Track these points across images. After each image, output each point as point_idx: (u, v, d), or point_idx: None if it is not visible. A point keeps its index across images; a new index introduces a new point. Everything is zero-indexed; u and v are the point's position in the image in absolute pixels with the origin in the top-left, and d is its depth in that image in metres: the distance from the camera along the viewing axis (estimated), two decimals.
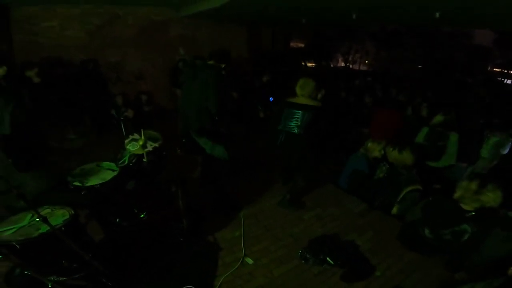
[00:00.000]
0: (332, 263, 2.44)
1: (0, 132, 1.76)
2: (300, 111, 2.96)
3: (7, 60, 3.95)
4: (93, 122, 5.54)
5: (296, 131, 3.00)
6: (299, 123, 2.97)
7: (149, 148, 2.37)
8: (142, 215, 2.28)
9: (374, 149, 3.58)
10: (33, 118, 2.51)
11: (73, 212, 1.85)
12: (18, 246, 1.58)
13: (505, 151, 3.87)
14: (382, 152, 3.50)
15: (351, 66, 26.90)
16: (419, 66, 22.76)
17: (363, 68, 27.24)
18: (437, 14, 4.85)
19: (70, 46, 5.82)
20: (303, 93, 3.01)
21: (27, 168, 1.87)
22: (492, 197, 2.35)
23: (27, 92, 3.69)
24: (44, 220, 1.55)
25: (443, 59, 20.99)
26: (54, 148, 4.19)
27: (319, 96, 3.15)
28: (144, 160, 2.35)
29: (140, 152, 2.33)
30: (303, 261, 2.50)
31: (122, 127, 2.59)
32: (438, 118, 3.92)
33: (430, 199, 2.86)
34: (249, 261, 2.49)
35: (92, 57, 5.87)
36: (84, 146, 4.78)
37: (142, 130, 2.39)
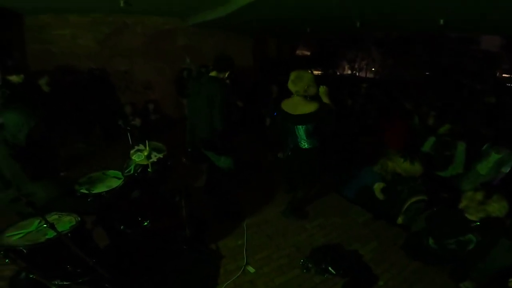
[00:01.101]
0: (334, 272, 2.42)
1: (14, 142, 1.82)
2: (298, 126, 2.69)
3: (23, 68, 4.09)
4: (102, 130, 5.64)
5: (302, 145, 2.79)
6: (303, 137, 2.74)
7: (154, 159, 2.43)
8: (145, 223, 2.32)
9: (395, 167, 3.42)
10: (45, 126, 2.58)
11: (79, 219, 1.90)
12: (25, 251, 1.62)
13: (507, 170, 3.38)
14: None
15: (357, 74, 26.85)
16: (427, 73, 22.58)
17: (369, 75, 27.13)
18: (441, 21, 4.86)
19: (81, 54, 5.97)
20: (297, 89, 2.61)
21: (36, 176, 1.93)
22: (497, 207, 2.33)
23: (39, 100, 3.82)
24: (51, 226, 1.60)
25: (450, 65, 20.84)
26: (63, 157, 4.29)
27: (322, 91, 2.69)
28: (149, 170, 2.41)
29: (145, 163, 2.40)
30: (305, 270, 2.49)
31: (129, 136, 2.65)
32: (446, 127, 3.90)
33: (435, 209, 2.85)
34: (251, 269, 2.50)
35: (102, 66, 6.02)
36: (92, 155, 4.86)
37: (147, 141, 2.46)
